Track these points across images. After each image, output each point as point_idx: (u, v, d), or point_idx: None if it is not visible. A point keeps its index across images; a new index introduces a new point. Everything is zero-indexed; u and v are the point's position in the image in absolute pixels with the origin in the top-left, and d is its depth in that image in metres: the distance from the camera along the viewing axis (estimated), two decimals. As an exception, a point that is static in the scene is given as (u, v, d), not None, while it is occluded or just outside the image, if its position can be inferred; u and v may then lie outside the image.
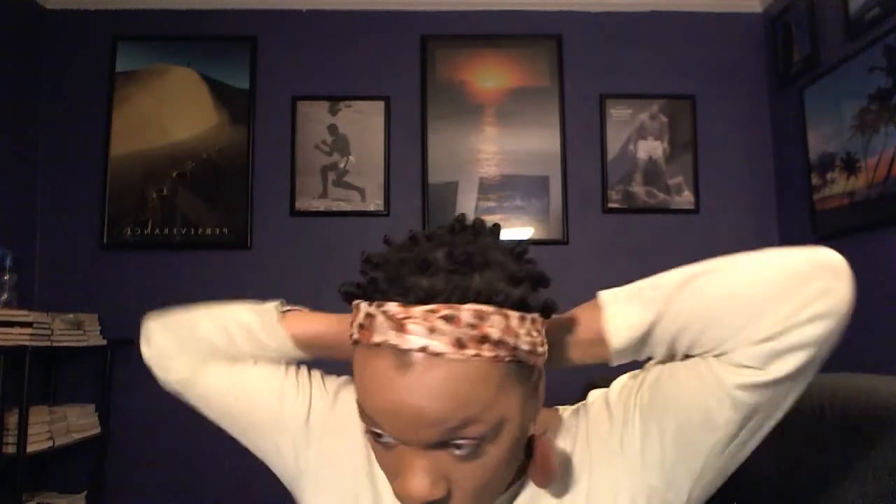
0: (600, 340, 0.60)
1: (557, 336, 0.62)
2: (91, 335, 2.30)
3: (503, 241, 0.60)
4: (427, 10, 2.62)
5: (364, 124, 2.56)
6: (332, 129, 2.56)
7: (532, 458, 0.60)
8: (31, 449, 1.96)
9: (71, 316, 2.20)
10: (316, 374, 0.77)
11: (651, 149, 2.58)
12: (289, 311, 0.74)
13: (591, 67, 2.60)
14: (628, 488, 0.61)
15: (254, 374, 0.73)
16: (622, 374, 0.68)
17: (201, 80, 2.57)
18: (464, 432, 0.51)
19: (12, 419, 1.94)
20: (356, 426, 0.71)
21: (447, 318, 0.50)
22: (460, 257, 0.53)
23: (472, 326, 0.50)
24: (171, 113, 2.55)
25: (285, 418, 0.72)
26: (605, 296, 0.61)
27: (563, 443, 0.65)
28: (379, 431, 0.54)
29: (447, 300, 0.51)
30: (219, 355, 0.73)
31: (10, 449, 1.92)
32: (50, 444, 2.08)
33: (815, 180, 2.29)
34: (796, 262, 0.53)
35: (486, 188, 2.54)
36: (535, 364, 0.56)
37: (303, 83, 2.58)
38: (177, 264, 2.46)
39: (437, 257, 0.53)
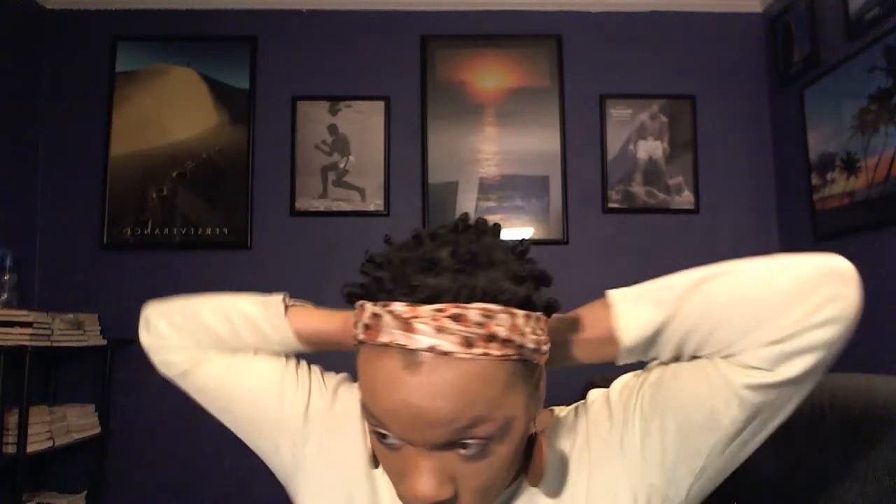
0: (609, 339, 0.60)
1: (563, 335, 0.62)
2: (91, 335, 2.29)
3: (505, 240, 0.60)
4: (427, 10, 2.62)
5: (364, 124, 2.56)
6: (332, 129, 2.56)
7: (532, 457, 0.60)
8: (31, 449, 1.96)
9: (71, 316, 2.20)
10: (316, 369, 0.76)
11: (651, 149, 2.58)
12: (293, 305, 0.74)
13: (591, 67, 2.60)
14: (628, 487, 0.61)
15: (254, 366, 0.73)
16: (622, 374, 0.68)
17: (201, 80, 2.57)
18: (472, 432, 0.51)
19: (12, 419, 1.94)
20: (355, 424, 0.71)
21: (455, 318, 0.50)
22: (465, 256, 0.53)
23: (480, 325, 0.50)
24: (171, 113, 2.55)
25: (284, 413, 0.72)
26: (614, 295, 0.61)
27: (562, 442, 0.65)
28: (384, 432, 0.54)
29: (454, 299, 0.51)
30: (220, 345, 0.73)
31: (10, 449, 1.92)
32: (50, 444, 2.08)
33: (815, 180, 2.29)
34: (807, 267, 0.54)
35: (486, 188, 2.54)
36: (539, 362, 0.56)
37: (303, 83, 2.58)
38: (177, 264, 2.46)
39: (442, 256, 0.53)
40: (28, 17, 2.51)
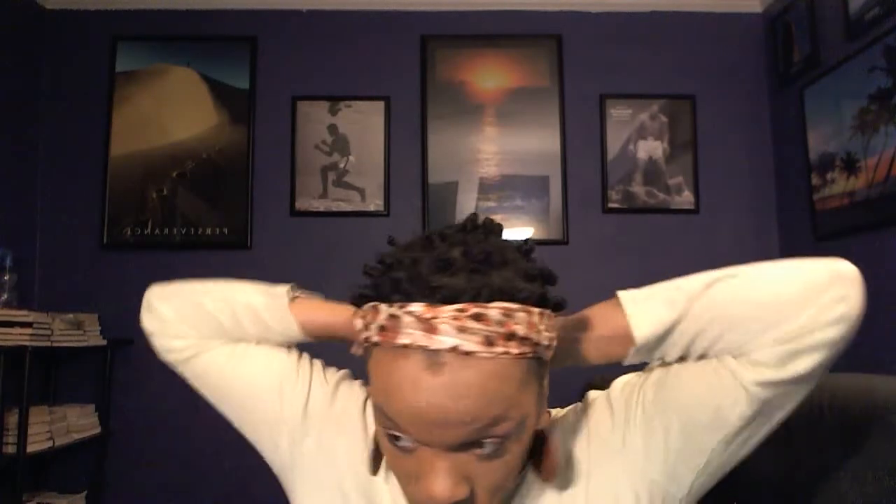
0: (619, 338, 0.60)
1: (573, 334, 0.62)
2: (91, 335, 2.29)
3: (511, 240, 0.60)
4: (427, 10, 2.62)
5: (364, 124, 2.56)
6: (332, 129, 2.56)
7: (543, 454, 0.61)
8: (31, 449, 1.96)
9: (71, 316, 2.20)
10: (317, 364, 0.76)
11: (651, 149, 2.58)
12: (298, 295, 0.73)
13: (591, 67, 2.60)
14: (630, 485, 0.61)
15: (255, 358, 0.72)
16: (622, 373, 0.68)
17: (201, 80, 2.57)
18: (492, 431, 0.52)
19: (12, 419, 1.94)
20: (355, 422, 0.71)
21: (477, 317, 0.50)
22: (479, 256, 0.53)
23: (501, 324, 0.51)
24: (171, 113, 2.55)
25: (282, 407, 0.71)
26: (624, 295, 0.62)
27: (562, 442, 0.65)
28: (399, 434, 0.54)
29: (473, 299, 0.51)
30: (222, 334, 0.72)
31: (10, 449, 1.92)
32: (50, 444, 2.08)
33: (815, 180, 2.28)
34: (815, 271, 0.56)
35: (486, 188, 2.54)
36: (547, 359, 0.57)
37: (303, 83, 2.58)
38: (177, 264, 2.46)
39: (456, 256, 0.53)
40: (28, 17, 2.51)
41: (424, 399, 0.50)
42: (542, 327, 0.53)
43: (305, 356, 0.76)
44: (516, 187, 2.54)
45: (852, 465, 0.78)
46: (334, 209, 2.52)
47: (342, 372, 0.77)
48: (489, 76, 2.59)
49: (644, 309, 0.60)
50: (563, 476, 0.63)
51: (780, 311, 0.55)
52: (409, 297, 0.52)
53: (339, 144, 2.56)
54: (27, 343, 1.96)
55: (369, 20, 2.61)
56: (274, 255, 2.50)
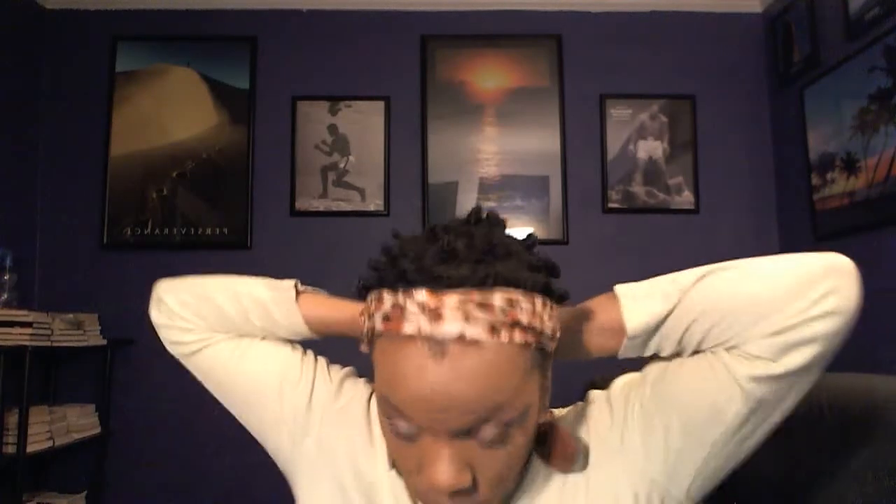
0: (613, 329, 0.61)
1: (570, 325, 0.62)
2: (91, 335, 2.29)
3: (513, 235, 0.61)
4: (427, 10, 2.62)
5: (364, 124, 2.56)
6: (332, 129, 2.56)
7: (552, 446, 0.61)
8: (31, 449, 1.96)
9: (71, 316, 2.20)
10: (322, 361, 0.76)
11: (651, 149, 2.58)
12: (305, 290, 0.74)
13: (591, 67, 2.60)
14: (629, 483, 0.61)
15: (260, 352, 0.73)
16: (623, 372, 0.68)
17: (201, 80, 2.57)
18: (495, 418, 0.52)
19: (12, 419, 1.94)
20: (359, 418, 0.71)
21: (481, 305, 0.51)
22: (483, 247, 0.54)
23: (504, 312, 0.51)
24: (171, 113, 2.55)
25: (284, 402, 0.71)
26: (621, 288, 0.62)
27: None
28: (403, 424, 0.54)
29: (477, 287, 0.52)
30: (229, 327, 0.73)
31: (10, 449, 1.92)
32: (50, 444, 2.08)
33: (815, 180, 2.29)
34: (809, 264, 0.56)
35: (486, 188, 2.54)
36: (551, 350, 0.57)
37: (303, 83, 2.58)
38: (177, 264, 2.44)
39: (460, 247, 0.54)
40: (28, 17, 2.51)
41: (429, 385, 0.51)
42: (545, 316, 0.54)
43: (310, 353, 0.76)
44: (516, 187, 2.54)
45: (852, 464, 0.78)
46: (334, 209, 2.52)
47: (346, 369, 0.77)
48: (489, 76, 2.59)
49: (638, 302, 0.60)
50: (563, 474, 0.63)
51: (771, 303, 0.55)
52: (414, 286, 0.52)
53: (339, 144, 2.56)
54: (27, 343, 1.96)
55: (369, 20, 2.61)
56: (274, 255, 2.50)
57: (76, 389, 2.41)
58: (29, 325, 1.99)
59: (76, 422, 2.23)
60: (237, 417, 0.75)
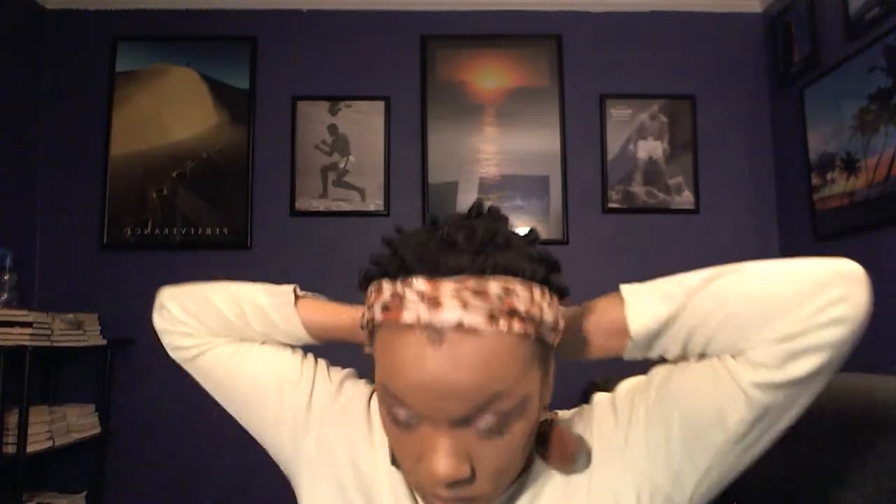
0: (618, 331, 0.60)
1: (573, 325, 0.62)
2: (91, 335, 2.29)
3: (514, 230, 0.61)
4: (427, 10, 2.62)
5: (364, 124, 2.56)
6: (332, 129, 2.56)
7: (552, 446, 0.61)
8: (31, 449, 1.96)
9: (71, 316, 2.20)
10: (321, 363, 0.77)
11: (651, 149, 2.58)
12: (304, 296, 0.75)
13: (591, 67, 2.60)
14: (631, 485, 0.61)
15: (259, 355, 0.74)
16: (624, 374, 0.68)
17: (201, 80, 2.57)
18: (493, 406, 0.52)
19: (12, 419, 1.94)
20: (359, 417, 0.71)
21: (476, 292, 0.51)
22: (484, 238, 0.54)
23: (500, 299, 0.51)
24: (171, 113, 2.55)
25: (284, 403, 0.72)
26: (626, 288, 0.62)
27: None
28: (403, 412, 0.54)
29: (475, 276, 0.52)
30: (229, 332, 0.74)
31: (10, 449, 1.92)
32: (50, 444, 2.08)
33: (815, 180, 2.28)
34: (817, 269, 0.55)
35: (486, 188, 2.54)
36: (554, 343, 0.57)
37: (303, 83, 2.58)
38: (177, 264, 2.46)
39: (460, 238, 0.54)
40: (28, 17, 2.51)
41: (428, 372, 0.51)
42: (544, 306, 0.54)
43: (310, 356, 0.77)
44: (516, 187, 2.54)
45: (852, 465, 0.78)
46: (334, 209, 2.52)
47: (346, 370, 0.78)
48: (489, 76, 2.59)
49: (642, 303, 0.60)
50: (566, 475, 0.63)
51: (778, 308, 0.54)
52: (413, 274, 0.53)
53: (339, 144, 2.56)
54: (27, 343, 1.96)
55: (369, 20, 2.61)
56: (274, 255, 2.50)
57: (76, 389, 2.41)
58: (29, 325, 1.99)
59: (76, 422, 2.23)
60: (238, 419, 0.76)
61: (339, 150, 2.55)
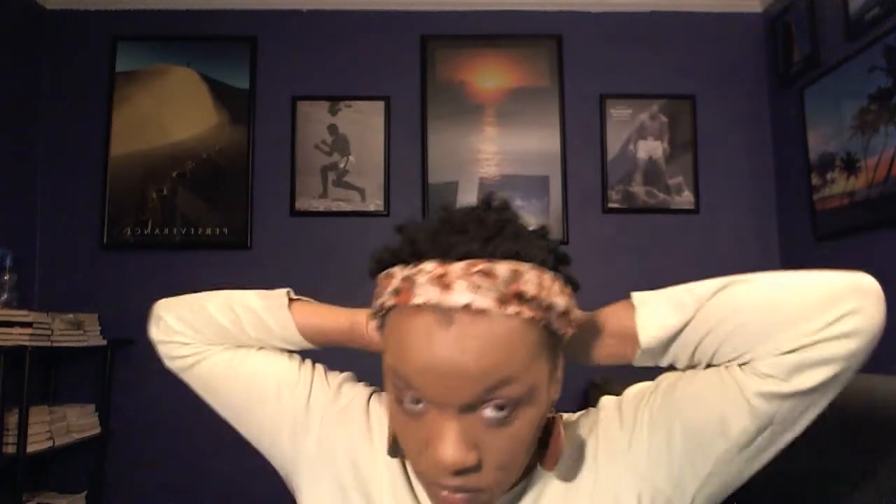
0: (627, 338, 0.61)
1: (585, 330, 0.62)
2: (91, 335, 2.29)
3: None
4: (427, 10, 2.62)
5: (364, 124, 2.56)
6: (332, 129, 2.56)
7: (547, 444, 0.61)
8: (31, 449, 1.96)
9: (71, 316, 2.20)
10: (319, 367, 0.77)
11: (651, 149, 2.58)
12: (297, 299, 0.75)
13: (591, 67, 2.60)
14: (634, 488, 0.61)
15: (256, 360, 0.74)
16: (623, 375, 0.68)
17: (201, 80, 2.57)
18: (501, 392, 0.52)
19: (12, 419, 1.94)
20: (359, 417, 0.71)
21: (485, 273, 0.51)
22: (494, 226, 0.55)
23: (508, 282, 0.52)
24: (171, 113, 2.55)
25: (283, 406, 0.72)
26: (638, 296, 0.62)
27: (571, 442, 0.66)
28: (411, 397, 0.54)
29: (485, 259, 0.52)
30: (225, 339, 0.74)
31: (10, 449, 1.92)
32: (50, 444, 2.08)
33: (815, 180, 2.28)
34: (831, 282, 0.55)
35: (486, 188, 2.54)
36: (564, 334, 0.57)
37: (303, 83, 2.58)
38: (177, 264, 2.46)
39: (471, 226, 0.55)
40: (28, 17, 2.51)
41: (436, 352, 0.51)
42: (554, 291, 0.54)
43: (307, 361, 0.77)
44: (516, 187, 2.54)
45: (852, 465, 0.78)
46: (334, 209, 2.52)
47: (344, 374, 0.78)
48: (489, 76, 2.59)
49: (653, 311, 0.60)
50: (570, 472, 0.64)
51: (788, 319, 0.54)
52: (424, 258, 0.53)
53: (339, 144, 2.56)
54: (27, 343, 1.96)
55: (369, 20, 2.61)
56: (274, 255, 2.50)
57: (76, 389, 2.41)
58: (29, 325, 1.99)
59: (76, 422, 2.23)
60: (234, 425, 0.76)
61: (339, 150, 2.55)
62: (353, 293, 0.77)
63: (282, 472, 0.75)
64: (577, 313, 0.60)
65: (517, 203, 2.52)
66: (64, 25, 2.60)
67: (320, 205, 2.52)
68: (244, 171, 2.53)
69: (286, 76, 2.58)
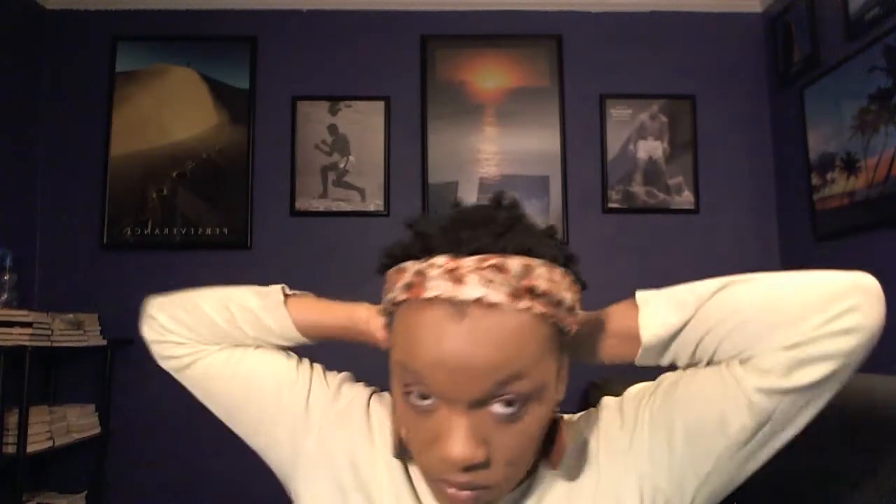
0: (630, 337, 0.61)
1: (588, 329, 0.63)
2: (91, 335, 2.29)
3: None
4: (427, 10, 2.62)
5: (364, 124, 2.56)
6: (332, 129, 2.56)
7: (554, 441, 0.61)
8: (31, 449, 1.96)
9: (71, 316, 2.20)
10: (317, 367, 0.77)
11: (651, 149, 2.58)
12: (293, 295, 0.74)
13: (591, 67, 2.60)
14: (635, 488, 0.61)
15: (253, 360, 0.73)
16: (624, 376, 0.69)
17: (201, 80, 2.57)
18: (511, 387, 0.52)
19: (12, 419, 1.94)
20: (359, 418, 0.71)
21: (498, 267, 0.52)
22: (505, 222, 0.55)
23: (520, 277, 0.52)
24: (171, 113, 2.55)
25: (282, 406, 0.71)
26: (641, 295, 0.62)
27: (573, 442, 0.66)
28: (420, 392, 0.54)
29: (497, 254, 0.53)
30: (221, 338, 0.73)
31: (10, 449, 1.92)
32: (50, 444, 2.08)
33: (815, 180, 2.28)
34: (832, 280, 0.55)
35: (486, 188, 2.54)
36: (570, 331, 0.57)
37: (303, 83, 2.58)
38: (177, 264, 2.46)
39: (483, 222, 0.55)
40: (28, 17, 2.51)
41: (448, 346, 0.51)
42: (563, 288, 0.54)
43: (305, 360, 0.77)
44: (516, 187, 2.54)
45: (852, 465, 0.78)
46: (334, 209, 2.52)
47: (343, 374, 0.77)
48: (489, 76, 2.59)
49: (654, 311, 0.60)
50: (573, 472, 0.64)
51: (789, 317, 0.54)
52: (436, 252, 0.54)
53: (339, 144, 2.56)
54: (27, 343, 1.96)
55: (369, 20, 2.61)
56: (274, 255, 2.50)
57: (76, 389, 2.41)
58: (29, 325, 1.99)
59: (76, 422, 2.23)
60: (232, 426, 0.75)
61: (339, 150, 2.55)
62: (353, 293, 0.77)
63: (279, 473, 0.74)
64: (581, 311, 0.60)
65: (517, 203, 2.52)
66: (64, 25, 2.60)
67: (320, 205, 2.52)
68: (244, 171, 2.53)
69: (286, 76, 2.58)
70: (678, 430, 0.60)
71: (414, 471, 0.67)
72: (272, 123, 2.56)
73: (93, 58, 2.57)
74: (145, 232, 2.49)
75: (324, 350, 0.76)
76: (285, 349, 0.76)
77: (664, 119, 2.59)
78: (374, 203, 2.53)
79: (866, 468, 0.77)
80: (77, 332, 2.21)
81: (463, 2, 2.61)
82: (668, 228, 2.54)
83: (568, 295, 0.55)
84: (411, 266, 0.55)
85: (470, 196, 2.53)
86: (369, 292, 0.59)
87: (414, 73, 2.58)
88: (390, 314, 0.58)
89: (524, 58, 2.60)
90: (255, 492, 2.19)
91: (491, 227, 0.55)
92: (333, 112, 2.56)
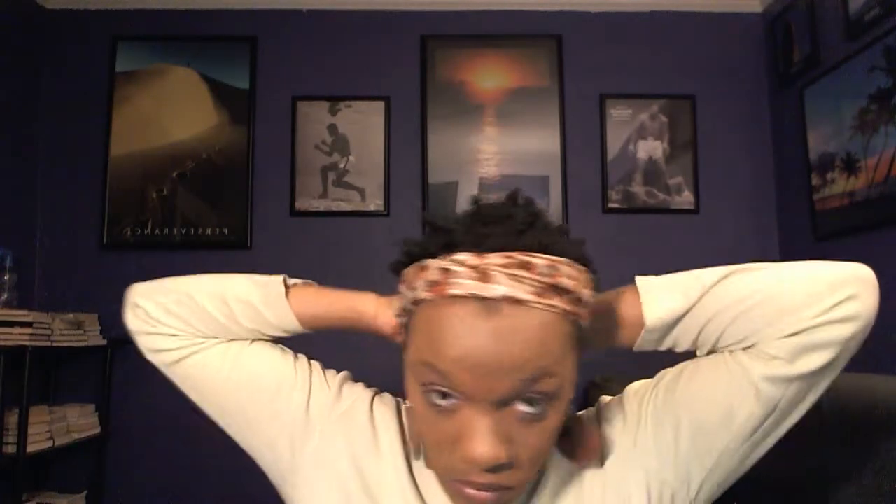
0: (632, 322, 0.61)
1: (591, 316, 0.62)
2: (91, 335, 2.29)
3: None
4: (427, 10, 2.62)
5: (364, 124, 2.56)
6: (332, 129, 2.56)
7: (578, 440, 0.61)
8: (31, 449, 1.96)
9: (71, 316, 2.20)
10: (316, 365, 0.74)
11: (651, 149, 2.58)
12: (294, 285, 0.72)
13: (591, 67, 2.60)
14: (642, 484, 0.61)
15: (250, 358, 0.70)
16: (624, 375, 0.69)
17: (201, 80, 2.57)
18: (537, 386, 0.52)
19: (12, 419, 1.94)
20: (363, 421, 0.69)
21: (525, 265, 0.52)
22: (525, 220, 0.55)
23: (546, 275, 0.52)
24: (171, 113, 2.55)
25: (281, 408, 0.69)
26: (642, 280, 0.62)
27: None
28: (442, 394, 0.53)
29: (521, 251, 0.53)
30: (215, 332, 0.70)
31: (10, 449, 1.92)
32: (50, 444, 2.08)
33: (815, 180, 2.28)
34: (832, 271, 0.57)
35: (486, 188, 2.54)
36: (585, 325, 0.57)
37: (303, 83, 2.58)
38: (177, 264, 2.43)
39: (503, 219, 0.55)
40: (28, 17, 2.51)
41: (476, 342, 0.51)
42: (583, 282, 0.55)
43: (302, 357, 0.74)
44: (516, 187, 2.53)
45: (852, 465, 0.78)
46: (334, 209, 2.52)
47: (342, 374, 0.75)
48: (489, 76, 2.59)
49: (658, 295, 0.60)
50: (580, 471, 0.64)
51: (791, 302, 0.55)
52: (460, 249, 0.53)
53: (339, 144, 2.56)
54: (27, 343, 1.96)
55: (369, 20, 2.61)
56: (274, 255, 2.50)
57: (76, 389, 2.41)
58: (29, 325, 1.99)
59: (76, 422, 2.23)
60: (225, 426, 0.72)
61: (339, 150, 2.55)
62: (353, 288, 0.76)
63: (272, 475, 0.71)
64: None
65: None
66: (64, 25, 2.60)
67: (320, 205, 2.52)
68: (244, 171, 2.53)
69: (286, 76, 2.58)
70: (684, 425, 0.60)
71: (419, 473, 0.65)
72: (272, 123, 2.56)
73: (93, 58, 2.57)
74: (145, 232, 2.49)
75: (324, 350, 0.76)
76: (280, 340, 0.74)
77: (664, 119, 2.59)
78: (374, 203, 2.53)
79: (866, 468, 0.77)
80: (77, 331, 2.21)
81: (463, 2, 2.61)
82: (668, 228, 2.54)
83: (587, 292, 0.55)
84: (434, 263, 0.54)
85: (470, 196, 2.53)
86: (369, 292, 0.59)
87: (414, 73, 2.58)
88: (409, 312, 0.57)
89: (524, 58, 2.60)
90: (255, 492, 2.19)
91: (511, 225, 0.54)
92: (333, 112, 2.56)
